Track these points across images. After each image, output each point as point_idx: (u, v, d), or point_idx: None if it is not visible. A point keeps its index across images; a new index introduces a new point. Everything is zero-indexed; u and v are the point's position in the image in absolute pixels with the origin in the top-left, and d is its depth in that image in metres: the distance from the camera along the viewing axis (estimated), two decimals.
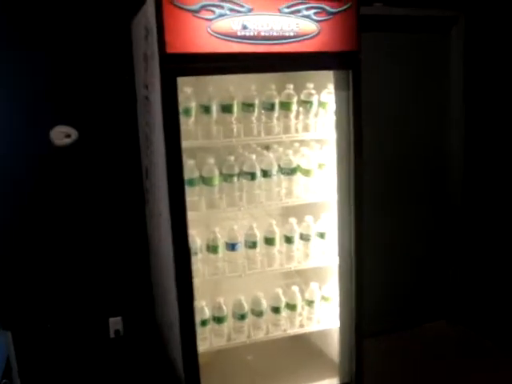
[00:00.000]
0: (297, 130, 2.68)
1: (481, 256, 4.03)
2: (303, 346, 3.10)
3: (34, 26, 2.93)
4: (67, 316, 3.26)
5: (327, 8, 2.49)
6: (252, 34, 2.37)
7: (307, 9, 2.46)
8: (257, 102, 2.57)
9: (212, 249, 2.60)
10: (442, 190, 4.08)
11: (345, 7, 2.52)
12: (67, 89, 3.06)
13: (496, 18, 3.72)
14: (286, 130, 2.65)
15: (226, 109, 2.52)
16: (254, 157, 2.59)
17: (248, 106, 2.55)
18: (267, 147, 2.80)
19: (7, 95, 2.92)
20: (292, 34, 2.44)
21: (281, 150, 2.74)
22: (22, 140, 2.97)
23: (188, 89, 2.45)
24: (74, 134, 3.10)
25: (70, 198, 3.15)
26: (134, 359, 3.42)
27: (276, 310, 2.76)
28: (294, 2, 2.43)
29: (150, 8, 2.35)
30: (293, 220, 2.73)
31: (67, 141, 3.09)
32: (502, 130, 3.78)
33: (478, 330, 4.03)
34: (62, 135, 3.09)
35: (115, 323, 3.35)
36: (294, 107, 2.64)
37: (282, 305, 2.77)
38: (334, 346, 2.98)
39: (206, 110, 2.50)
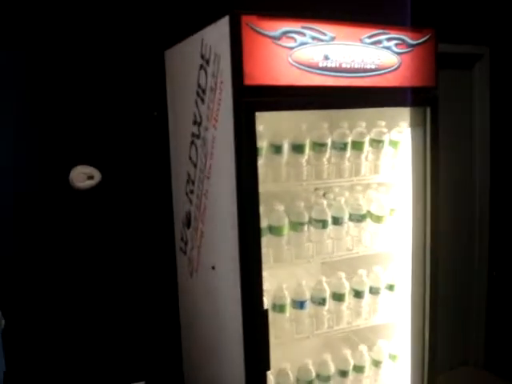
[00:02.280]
0: (368, 172, 2.41)
1: None
2: None
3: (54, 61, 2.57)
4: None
5: (407, 39, 2.27)
6: (334, 65, 2.11)
7: (388, 40, 2.23)
8: (329, 141, 2.28)
9: (279, 308, 2.27)
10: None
11: (424, 39, 2.31)
12: (89, 126, 2.70)
13: None
14: (357, 172, 2.38)
15: (298, 149, 2.23)
16: (325, 202, 2.29)
17: (320, 146, 2.26)
18: (324, 193, 2.52)
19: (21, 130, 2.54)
20: (373, 66, 2.20)
21: (346, 194, 2.45)
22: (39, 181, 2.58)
23: (259, 126, 2.14)
24: (98, 175, 2.73)
25: (92, 247, 2.76)
26: None
27: (343, 373, 2.45)
28: (376, 32, 2.20)
29: (214, 33, 2.07)
30: (363, 271, 2.44)
31: (90, 183, 2.71)
32: None
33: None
34: (83, 177, 2.71)
35: None
36: (366, 147, 2.37)
37: (350, 368, 2.45)
38: None
39: (277, 150, 2.19)
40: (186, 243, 2.65)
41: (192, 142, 2.43)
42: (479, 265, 3.90)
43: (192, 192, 2.49)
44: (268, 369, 2.09)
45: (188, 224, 2.58)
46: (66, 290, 2.74)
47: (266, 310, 2.06)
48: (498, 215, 3.87)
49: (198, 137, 2.36)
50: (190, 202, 2.52)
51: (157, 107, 2.82)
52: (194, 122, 2.38)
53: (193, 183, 2.47)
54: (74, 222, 2.72)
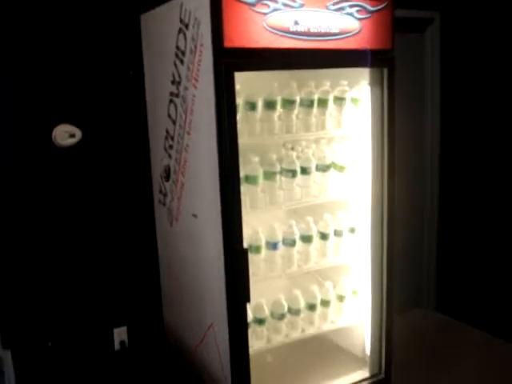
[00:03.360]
0: (332, 127, 2.68)
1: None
2: (322, 345, 3.10)
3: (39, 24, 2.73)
4: (69, 330, 3.06)
5: (367, 6, 2.52)
6: (303, 29, 2.35)
7: (350, 6, 2.47)
8: (298, 98, 2.54)
9: (255, 249, 2.54)
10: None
11: (382, 6, 2.56)
12: (70, 87, 2.86)
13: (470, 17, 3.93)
14: (323, 126, 2.65)
15: (271, 105, 2.48)
16: (294, 154, 2.56)
17: (290, 103, 2.52)
18: (292, 147, 2.78)
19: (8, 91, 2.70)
20: (337, 31, 2.45)
21: (313, 147, 2.72)
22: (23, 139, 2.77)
23: (236, 85, 2.36)
24: (78, 133, 2.91)
25: (73, 202, 2.96)
26: (142, 371, 3.26)
27: (312, 307, 2.75)
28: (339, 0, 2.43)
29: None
30: (328, 216, 2.73)
31: (71, 141, 2.89)
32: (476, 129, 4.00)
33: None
34: (66, 135, 2.89)
35: (120, 334, 3.18)
36: (331, 104, 2.64)
37: (318, 302, 2.76)
38: (355, 341, 3.02)
39: (252, 106, 2.43)
40: (165, 195, 2.87)
41: (171, 101, 2.64)
42: (430, 213, 4.24)
43: (171, 147, 2.71)
44: (248, 301, 2.37)
45: (167, 177, 2.80)
46: (52, 242, 2.93)
47: (246, 249, 2.32)
48: (447, 165, 4.22)
49: (177, 95, 2.57)
50: (169, 156, 2.74)
51: (133, 67, 2.99)
52: (173, 82, 2.58)
53: (172, 139, 2.69)
54: (58, 177, 2.90)
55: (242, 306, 2.39)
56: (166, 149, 2.77)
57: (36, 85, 2.79)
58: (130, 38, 2.95)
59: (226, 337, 2.45)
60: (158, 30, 2.71)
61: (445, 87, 4.12)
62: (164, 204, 2.90)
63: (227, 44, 2.19)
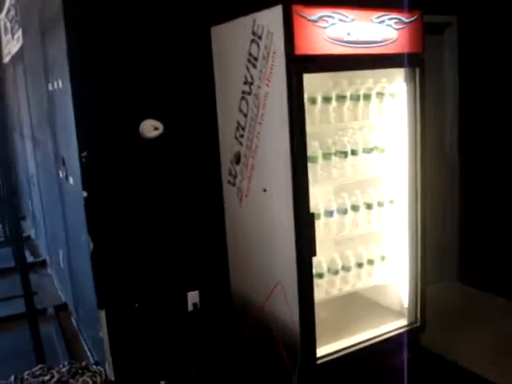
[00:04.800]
0: (374, 116, 3.30)
1: None
2: (365, 300, 3.71)
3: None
4: (152, 293, 3.64)
5: (403, 18, 3.13)
6: (353, 39, 2.96)
7: (389, 19, 3.08)
8: (348, 94, 3.15)
9: (315, 216, 3.14)
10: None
11: (414, 18, 3.17)
12: (154, 88, 3.48)
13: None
14: (367, 116, 3.27)
15: (327, 100, 3.10)
16: (345, 139, 3.18)
17: (342, 98, 3.14)
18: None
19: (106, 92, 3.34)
20: (380, 39, 3.05)
21: (359, 133, 3.33)
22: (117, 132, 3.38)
23: None
24: (161, 127, 3.52)
25: (157, 184, 3.56)
26: (212, 330, 3.86)
27: (360, 265, 3.36)
28: (381, 14, 3.05)
29: (267, 16, 2.91)
30: (372, 189, 3.35)
31: (155, 133, 3.51)
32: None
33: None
34: (151, 128, 3.50)
35: (193, 297, 3.78)
36: (373, 98, 3.25)
37: (365, 261, 3.37)
38: (393, 296, 3.62)
39: (313, 101, 3.06)
40: (234, 177, 3.49)
41: (242, 98, 3.25)
42: (452, 186, 4.82)
43: (242, 136, 3.32)
44: (314, 255, 2.98)
45: (237, 161, 3.42)
46: (141, 216, 3.55)
47: (313, 213, 2.93)
48: (467, 161, 4.83)
49: (249, 93, 3.18)
50: (240, 144, 3.35)
51: (204, 73, 3.61)
52: (245, 82, 3.19)
53: (243, 129, 3.30)
54: (145, 163, 3.51)
55: (309, 259, 2.99)
56: (236, 138, 3.38)
57: (127, 86, 3.40)
58: (202, 47, 3.54)
59: (295, 288, 3.05)
60: (230, 40, 3.32)
61: (462, 86, 4.72)
62: (233, 184, 3.51)
63: (297, 52, 2.80)
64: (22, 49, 5.34)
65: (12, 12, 5.75)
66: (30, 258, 6.28)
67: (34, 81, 5.02)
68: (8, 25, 6.19)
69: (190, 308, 3.76)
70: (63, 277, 5.05)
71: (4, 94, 7.79)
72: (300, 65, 2.81)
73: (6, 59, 6.27)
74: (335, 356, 3.24)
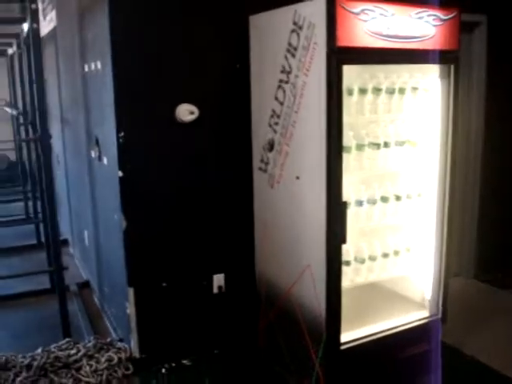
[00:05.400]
0: (408, 109, 3.36)
1: None
2: (387, 290, 3.78)
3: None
4: (179, 274, 3.77)
5: (440, 15, 3.18)
6: (393, 33, 3.03)
7: (428, 15, 3.14)
8: (383, 87, 3.22)
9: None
10: None
11: (452, 15, 3.22)
12: (191, 74, 3.58)
13: None
14: (400, 109, 3.33)
15: (363, 92, 3.17)
16: (379, 131, 3.25)
17: (378, 90, 3.20)
18: None
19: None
20: (418, 34, 3.11)
21: (391, 125, 3.39)
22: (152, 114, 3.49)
23: None
24: (196, 111, 3.60)
25: (188, 167, 3.67)
26: (235, 313, 3.95)
27: (386, 255, 3.43)
28: (420, 10, 3.11)
29: (309, 7, 2.97)
30: (401, 182, 3.42)
31: (191, 117, 3.59)
32: None
33: None
34: (186, 112, 3.58)
35: (219, 279, 3.87)
36: (408, 92, 3.32)
37: (391, 251, 3.44)
38: (415, 288, 3.69)
39: (350, 92, 3.13)
40: (266, 164, 3.56)
41: (279, 87, 3.32)
42: (472, 185, 4.89)
43: (277, 124, 3.40)
44: (344, 242, 3.06)
45: (271, 148, 3.49)
46: (171, 198, 3.65)
47: (345, 201, 3.01)
48: (490, 159, 4.89)
49: (286, 82, 3.25)
50: (274, 131, 3.43)
51: (239, 61, 3.68)
52: (283, 71, 3.26)
53: (278, 117, 3.37)
54: (179, 146, 3.61)
55: (338, 247, 3.07)
56: (270, 125, 3.46)
57: (165, 70, 3.51)
58: (240, 36, 3.62)
59: (323, 274, 3.13)
60: (268, 30, 3.39)
61: (490, 84, 4.79)
62: (265, 171, 3.59)
63: (338, 43, 2.87)
64: (54, 30, 5.42)
65: None
66: None
67: (67, 62, 5.11)
68: (40, 6, 6.26)
69: (216, 290, 3.86)
70: (87, 255, 5.15)
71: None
72: (340, 56, 2.88)
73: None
74: (358, 343, 3.31)
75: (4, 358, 3.65)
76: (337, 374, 3.27)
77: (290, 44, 3.16)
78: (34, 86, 3.78)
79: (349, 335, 3.29)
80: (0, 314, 4.79)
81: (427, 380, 3.47)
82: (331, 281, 3.11)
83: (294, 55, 3.14)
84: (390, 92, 3.26)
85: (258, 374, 3.73)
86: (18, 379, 3.51)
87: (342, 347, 3.25)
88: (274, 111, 3.39)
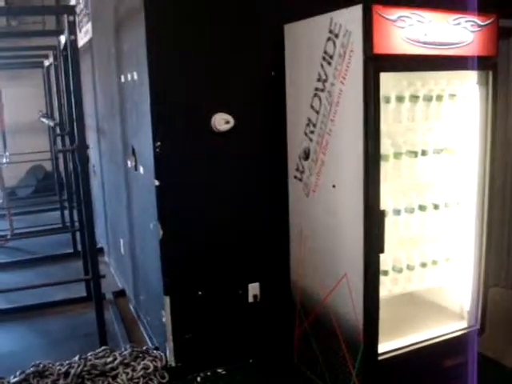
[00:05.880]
0: (446, 117, 3.32)
1: None
2: (424, 300, 3.72)
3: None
4: (214, 283, 3.78)
5: (478, 21, 3.14)
6: (430, 40, 3.00)
7: (466, 21, 3.10)
8: (421, 94, 3.19)
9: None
10: None
11: (490, 21, 3.18)
12: (226, 84, 3.60)
13: None
14: (438, 116, 3.29)
15: (400, 99, 3.14)
16: (416, 139, 3.21)
17: (415, 98, 3.17)
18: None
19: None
20: (455, 41, 3.08)
21: (428, 133, 3.35)
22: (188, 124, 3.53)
23: None
24: (232, 120, 3.61)
25: (224, 176, 3.69)
26: (270, 322, 3.94)
27: (424, 265, 3.39)
28: (458, 16, 3.07)
29: (345, 15, 2.95)
30: (439, 190, 3.37)
31: (226, 126, 3.60)
32: None
33: None
34: (222, 121, 3.59)
35: (254, 288, 3.86)
36: (445, 99, 3.28)
37: (429, 261, 3.39)
38: (452, 299, 3.63)
39: (387, 100, 3.10)
40: (302, 172, 3.55)
41: (315, 95, 3.32)
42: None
43: (312, 132, 3.39)
44: (382, 252, 3.03)
45: (306, 157, 3.48)
46: (207, 207, 3.66)
47: (384, 210, 2.98)
48: None
49: (322, 90, 3.24)
50: (310, 140, 3.42)
51: (275, 69, 3.69)
52: (319, 80, 3.26)
53: (314, 125, 3.36)
54: (215, 155, 3.63)
55: (376, 256, 3.04)
56: (306, 134, 3.45)
57: (201, 80, 3.54)
58: (274, 45, 3.62)
59: (360, 284, 3.10)
60: (304, 38, 3.39)
61: None
62: (300, 179, 3.57)
63: (375, 51, 2.85)
64: (90, 42, 5.50)
65: (81, 5, 5.93)
66: None
67: (103, 73, 5.19)
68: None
69: (251, 299, 3.85)
70: (122, 264, 5.20)
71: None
72: (377, 64, 2.86)
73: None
74: (395, 353, 3.27)
75: (42, 365, 3.69)
76: None
77: (325, 52, 3.15)
78: (72, 96, 3.81)
79: (386, 346, 3.25)
80: (37, 322, 4.86)
81: None
82: (369, 290, 3.08)
83: (329, 63, 3.13)
84: (428, 99, 3.22)
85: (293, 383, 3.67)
86: None
87: (380, 358, 3.21)
88: (309, 120, 3.38)
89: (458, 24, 3.08)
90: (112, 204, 5.49)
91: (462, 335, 3.51)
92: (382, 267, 3.20)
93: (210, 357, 3.80)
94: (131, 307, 4.92)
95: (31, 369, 3.64)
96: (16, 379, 3.57)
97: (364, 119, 2.92)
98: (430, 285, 3.51)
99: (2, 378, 3.59)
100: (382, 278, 3.22)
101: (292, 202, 3.74)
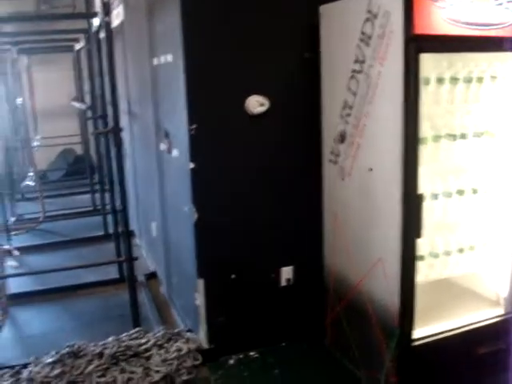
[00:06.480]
0: (485, 99, 3.24)
1: None
2: (460, 287, 3.67)
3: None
4: (248, 266, 3.76)
5: None
6: (472, 20, 2.92)
7: (508, 1, 3.02)
8: (461, 76, 3.12)
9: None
10: None
11: None
12: (260, 65, 3.56)
13: None
14: (477, 98, 3.22)
15: (440, 81, 3.08)
16: (456, 121, 3.15)
17: (455, 80, 3.11)
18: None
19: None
20: (496, 21, 2.99)
21: (468, 115, 3.28)
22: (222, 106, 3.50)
23: None
24: (267, 103, 3.57)
25: (258, 159, 3.65)
26: (302, 306, 3.93)
27: (461, 250, 3.33)
28: None
29: None
30: (478, 174, 3.31)
31: (261, 109, 3.56)
32: None
33: None
34: (256, 104, 3.56)
35: (287, 272, 3.84)
36: (486, 81, 3.20)
37: (466, 246, 3.34)
38: (489, 286, 3.58)
39: (427, 81, 3.04)
40: (337, 156, 3.51)
41: (352, 77, 3.27)
42: None
43: (349, 115, 3.34)
44: (419, 236, 2.98)
45: (342, 140, 3.44)
46: (240, 190, 3.64)
47: (421, 194, 2.94)
48: None
49: (359, 72, 3.19)
50: (346, 122, 3.37)
51: (310, 51, 3.64)
52: (356, 61, 3.21)
53: (350, 108, 3.32)
54: (248, 137, 3.61)
55: (413, 241, 3.00)
56: (342, 116, 3.41)
57: (236, 62, 3.50)
58: (309, 26, 3.57)
59: (396, 268, 3.06)
60: (341, 19, 3.34)
61: None
62: (335, 163, 3.54)
63: (415, 31, 2.79)
64: (122, 24, 5.49)
65: None
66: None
67: (135, 56, 5.18)
68: None
69: (283, 283, 3.83)
70: (154, 247, 5.23)
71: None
72: (418, 44, 2.80)
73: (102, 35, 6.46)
74: (430, 339, 3.24)
75: (76, 346, 3.72)
76: (408, 370, 3.20)
77: (363, 33, 3.10)
78: (106, 78, 3.81)
79: (420, 332, 3.21)
80: (71, 303, 4.93)
81: (501, 379, 3.34)
82: (405, 275, 3.05)
83: (368, 44, 3.08)
84: (468, 81, 3.16)
85: (325, 367, 3.70)
86: (91, 367, 3.57)
87: (414, 343, 3.17)
88: (345, 102, 3.34)
89: (500, 4, 2.99)
90: (143, 187, 5.51)
91: (498, 322, 3.45)
92: (419, 252, 3.16)
93: (243, 340, 3.81)
94: (163, 289, 4.94)
95: (66, 349, 3.67)
96: (51, 359, 3.61)
97: (403, 101, 2.87)
98: (466, 271, 3.46)
99: (38, 359, 3.63)
100: (418, 264, 3.17)
101: (327, 186, 3.71)
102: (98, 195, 7.22)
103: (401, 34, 2.83)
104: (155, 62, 4.22)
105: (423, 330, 3.24)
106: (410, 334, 3.15)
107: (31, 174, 7.50)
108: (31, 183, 7.71)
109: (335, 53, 3.44)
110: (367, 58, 3.10)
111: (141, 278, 5.19)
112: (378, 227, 3.19)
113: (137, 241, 6.30)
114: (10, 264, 5.61)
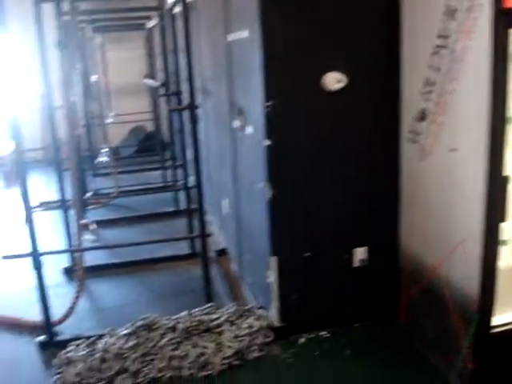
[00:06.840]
0: None
1: None
2: None
3: None
4: (323, 245, 3.73)
5: None
6: None
7: None
8: None
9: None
10: None
11: None
12: (338, 42, 3.47)
13: None
14: None
15: None
16: None
17: None
18: None
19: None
20: None
21: None
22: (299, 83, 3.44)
23: None
24: (344, 79, 3.49)
25: (334, 136, 3.59)
26: (376, 288, 3.86)
27: None
28: None
29: None
30: None
31: (338, 85, 3.49)
32: None
33: None
34: (334, 81, 3.48)
35: (361, 253, 3.78)
36: None
37: None
38: None
39: None
40: (417, 134, 3.40)
41: (434, 52, 3.14)
42: None
43: (430, 92, 3.22)
44: (503, 220, 2.86)
45: (422, 118, 3.33)
46: (316, 168, 3.60)
47: (508, 176, 2.81)
48: None
49: (443, 47, 3.06)
50: (427, 100, 3.26)
51: (389, 25, 3.52)
52: (439, 36, 3.08)
53: (432, 85, 3.20)
54: (325, 114, 3.54)
55: (496, 225, 2.88)
56: (422, 93, 3.29)
57: (313, 37, 3.42)
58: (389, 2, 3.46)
59: (477, 253, 2.95)
60: None
61: None
62: (414, 142, 3.43)
63: (506, 5, 2.65)
64: (195, 1, 5.49)
65: None
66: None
67: (208, 32, 5.18)
68: None
69: (357, 263, 3.77)
70: (225, 224, 5.27)
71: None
72: (507, 19, 2.65)
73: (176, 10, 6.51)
74: (510, 327, 3.11)
75: (150, 319, 3.80)
76: (486, 357, 3.10)
77: (447, 6, 2.97)
78: (180, 56, 3.82)
79: (500, 318, 3.10)
80: (145, 277, 5.04)
81: None
82: (487, 260, 2.94)
83: (453, 18, 2.94)
84: None
85: (398, 350, 3.63)
86: (164, 340, 3.64)
87: (493, 330, 3.07)
88: (427, 79, 3.23)
89: None
90: (215, 164, 5.53)
91: None
92: (502, 237, 3.03)
93: (315, 319, 3.80)
94: (234, 266, 4.98)
95: (140, 322, 3.76)
96: (126, 331, 3.70)
97: (491, 78, 2.73)
98: None
99: (113, 330, 3.73)
100: (501, 249, 3.05)
101: (405, 165, 3.61)
102: (168, 172, 7.30)
103: (489, 7, 2.68)
104: (230, 37, 4.20)
105: (503, 317, 3.12)
106: (489, 320, 3.04)
107: (105, 150, 7.66)
108: (105, 159, 7.88)
109: (416, 27, 3.33)
110: (452, 32, 2.97)
111: (212, 254, 5.23)
112: (459, 209, 3.08)
113: (208, 217, 6.35)
114: (88, 238, 5.77)
